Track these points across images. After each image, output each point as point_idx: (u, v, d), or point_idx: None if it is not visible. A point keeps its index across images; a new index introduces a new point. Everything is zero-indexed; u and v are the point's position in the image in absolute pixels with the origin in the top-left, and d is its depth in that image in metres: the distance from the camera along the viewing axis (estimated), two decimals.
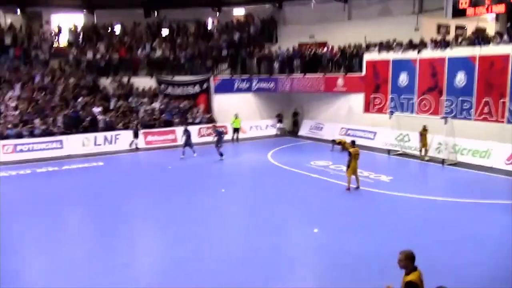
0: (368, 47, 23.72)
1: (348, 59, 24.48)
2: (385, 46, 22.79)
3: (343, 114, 24.96)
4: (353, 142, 15.14)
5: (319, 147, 23.11)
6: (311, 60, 25.82)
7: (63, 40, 28.98)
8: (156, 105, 25.28)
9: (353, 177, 14.36)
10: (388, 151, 20.77)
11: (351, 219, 11.84)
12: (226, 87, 26.91)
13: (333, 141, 22.00)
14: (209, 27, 31.13)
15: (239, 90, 27.02)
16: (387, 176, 16.31)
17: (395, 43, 22.48)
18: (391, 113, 21.11)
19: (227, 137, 23.53)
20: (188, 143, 20.17)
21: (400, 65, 21.95)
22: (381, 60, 22.76)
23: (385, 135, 21.50)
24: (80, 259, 9.49)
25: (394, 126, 20.61)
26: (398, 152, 20.70)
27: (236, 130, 25.10)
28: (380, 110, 22.87)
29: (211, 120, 26.11)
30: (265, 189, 15.08)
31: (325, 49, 25.68)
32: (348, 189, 14.24)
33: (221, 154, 19.61)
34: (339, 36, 25.76)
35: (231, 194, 14.41)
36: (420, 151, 19.48)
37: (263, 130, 27.29)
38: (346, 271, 8.71)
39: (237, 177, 16.99)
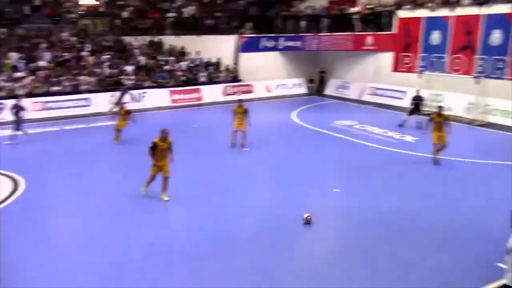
0: (400, 4, 22.80)
1: (378, 17, 23.72)
2: (419, 3, 21.85)
3: (371, 73, 24.35)
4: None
5: (345, 106, 22.83)
6: (340, 18, 25.11)
7: None
8: (183, 64, 25.29)
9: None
10: None
11: (373, 179, 11.79)
12: (252, 46, 26.40)
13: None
14: None
15: (265, 48, 26.58)
16: (412, 137, 16.05)
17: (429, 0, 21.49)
18: (421, 72, 20.42)
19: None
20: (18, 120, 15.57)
21: (433, 23, 21.02)
22: (414, 18, 21.87)
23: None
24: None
25: (424, 85, 19.96)
26: (428, 113, 20.11)
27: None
28: (409, 69, 22.17)
29: (236, 78, 26.07)
30: (286, 148, 15.09)
31: (355, 7, 24.90)
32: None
33: None
34: None
35: (253, 153, 14.36)
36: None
37: (289, 89, 26.96)
38: (365, 231, 8.73)
39: (259, 136, 16.87)
